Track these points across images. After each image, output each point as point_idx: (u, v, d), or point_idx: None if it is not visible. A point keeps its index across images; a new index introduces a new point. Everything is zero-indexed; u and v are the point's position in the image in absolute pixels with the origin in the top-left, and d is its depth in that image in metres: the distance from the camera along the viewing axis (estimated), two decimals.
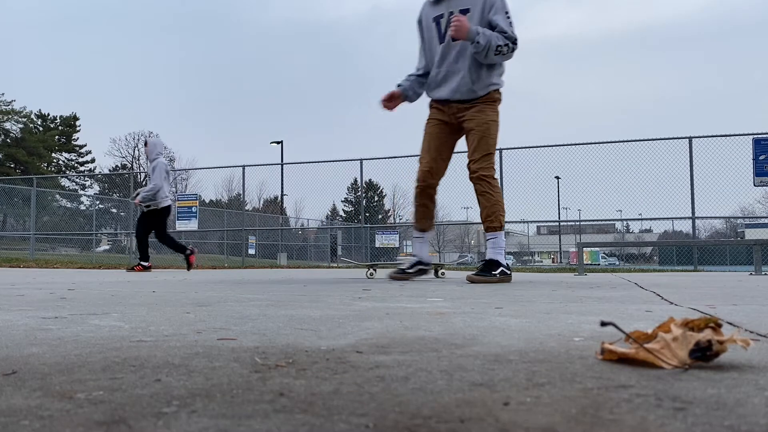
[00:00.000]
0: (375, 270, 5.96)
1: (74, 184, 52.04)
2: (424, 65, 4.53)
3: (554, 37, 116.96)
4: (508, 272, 4.20)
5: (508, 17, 4.17)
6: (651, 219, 14.88)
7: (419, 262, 4.62)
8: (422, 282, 4.59)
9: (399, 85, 4.57)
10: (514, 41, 4.12)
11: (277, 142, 34.53)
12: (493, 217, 4.20)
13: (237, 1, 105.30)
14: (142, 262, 9.29)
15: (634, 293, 2.98)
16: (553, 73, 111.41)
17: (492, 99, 4.25)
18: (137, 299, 2.59)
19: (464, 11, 4.18)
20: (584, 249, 8.48)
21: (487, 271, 4.14)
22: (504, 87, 4.33)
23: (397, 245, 24.46)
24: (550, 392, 0.80)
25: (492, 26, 4.13)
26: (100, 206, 31.70)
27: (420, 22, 4.55)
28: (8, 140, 49.82)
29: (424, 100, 4.56)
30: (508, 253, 20.55)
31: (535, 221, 17.87)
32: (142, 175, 47.73)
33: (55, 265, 12.50)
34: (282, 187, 24.65)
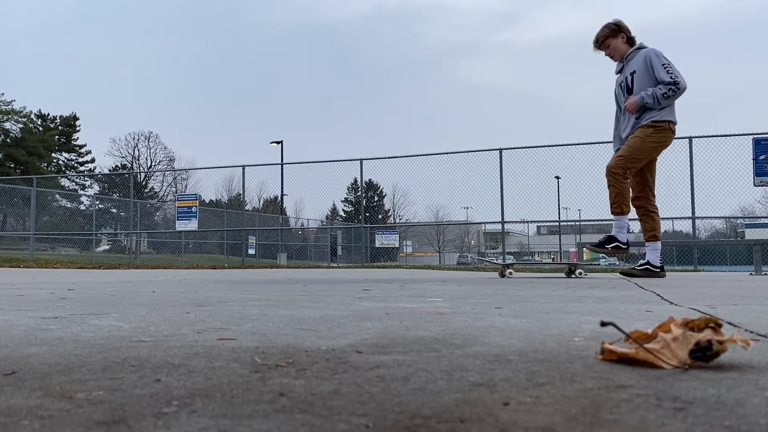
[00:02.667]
0: (511, 270, 6.04)
1: (74, 184, 52.04)
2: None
3: (555, 37, 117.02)
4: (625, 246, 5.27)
5: (665, 66, 5.10)
6: None
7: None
8: (422, 282, 4.59)
9: None
10: (675, 84, 5.02)
11: (277, 142, 34.52)
12: (615, 205, 5.24)
13: (238, 2, 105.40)
14: None
15: (634, 293, 2.98)
16: (553, 73, 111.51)
17: (648, 126, 5.17)
18: (137, 299, 2.59)
19: (633, 73, 5.24)
20: (584, 249, 8.48)
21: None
22: (657, 117, 5.16)
23: (397, 245, 24.47)
24: (550, 392, 0.80)
25: (658, 81, 5.09)
26: (100, 206, 31.72)
27: (615, 92, 5.61)
28: (8, 140, 49.80)
29: None
30: (508, 253, 20.54)
31: (535, 221, 17.89)
32: (142, 175, 47.83)
33: (55, 265, 12.51)
34: (282, 187, 24.66)
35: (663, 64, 5.07)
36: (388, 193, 42.39)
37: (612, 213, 5.28)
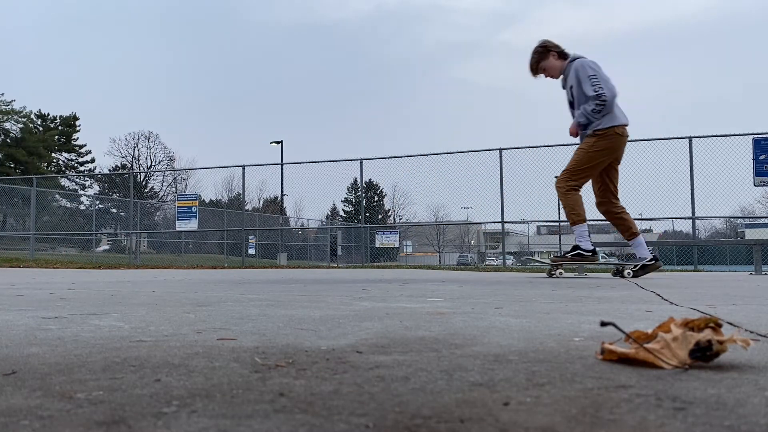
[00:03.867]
0: (562, 269, 5.90)
1: (74, 184, 52.03)
2: None
3: (556, 37, 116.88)
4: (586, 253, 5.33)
5: (590, 78, 5.08)
6: (651, 219, 14.87)
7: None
8: (422, 282, 4.59)
9: None
10: (599, 97, 5.02)
11: (277, 142, 34.52)
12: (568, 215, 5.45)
13: (238, 2, 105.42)
14: None
15: (634, 293, 2.98)
16: None
17: (591, 135, 5.25)
18: (137, 299, 2.59)
19: (571, 87, 5.29)
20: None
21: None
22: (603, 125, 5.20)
23: (397, 245, 24.47)
24: (550, 392, 0.80)
25: (586, 96, 5.12)
26: (100, 206, 31.71)
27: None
28: (8, 140, 49.80)
29: None
30: (508, 253, 20.55)
31: (535, 221, 17.88)
32: (142, 175, 47.82)
33: (55, 265, 12.50)
34: (282, 187, 24.65)
35: (588, 76, 5.08)
36: (388, 193, 42.40)
37: (571, 225, 5.44)
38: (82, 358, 1.08)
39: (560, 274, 5.66)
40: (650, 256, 5.36)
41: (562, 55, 5.37)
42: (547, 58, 5.35)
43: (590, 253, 5.38)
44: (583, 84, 5.10)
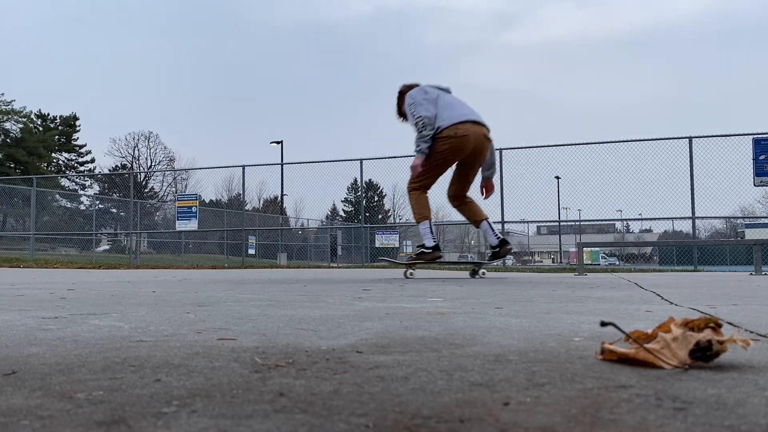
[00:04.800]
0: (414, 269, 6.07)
1: (74, 184, 52.01)
2: None
3: (556, 38, 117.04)
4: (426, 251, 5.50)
5: (410, 109, 5.35)
6: (651, 219, 14.87)
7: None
8: (422, 282, 4.59)
9: None
10: (416, 125, 5.28)
11: (277, 142, 34.51)
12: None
13: (238, 2, 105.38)
14: None
15: (634, 293, 2.98)
16: (554, 73, 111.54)
17: (435, 141, 5.38)
18: (137, 299, 2.59)
19: (403, 114, 5.59)
20: (584, 249, 8.48)
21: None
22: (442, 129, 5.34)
23: (397, 245, 24.46)
24: (550, 392, 0.80)
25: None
26: (100, 206, 31.71)
27: None
28: (8, 140, 49.79)
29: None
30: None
31: (535, 221, 17.85)
32: (142, 175, 47.80)
33: (55, 265, 12.50)
34: (282, 187, 24.65)
35: (409, 105, 5.36)
36: (388, 193, 42.40)
37: (416, 223, 5.64)
38: (82, 358, 1.08)
39: (410, 274, 5.75)
40: (497, 242, 5.57)
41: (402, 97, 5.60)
42: (403, 102, 5.56)
43: (431, 250, 5.51)
44: (409, 119, 5.40)
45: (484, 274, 6.05)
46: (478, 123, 5.33)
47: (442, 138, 5.24)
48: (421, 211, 5.47)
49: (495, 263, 7.05)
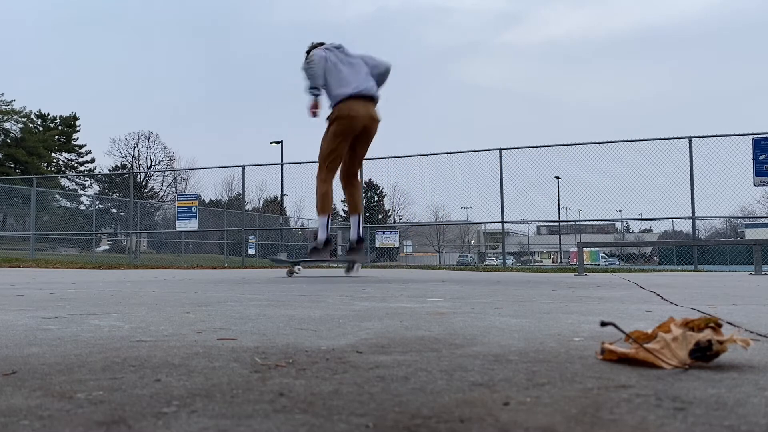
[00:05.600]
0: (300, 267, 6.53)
1: (74, 184, 52.00)
2: None
3: (557, 38, 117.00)
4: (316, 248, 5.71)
5: (306, 67, 5.61)
6: (651, 219, 14.87)
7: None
8: (422, 282, 4.59)
9: None
10: (309, 81, 5.55)
11: (277, 142, 34.48)
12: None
13: (239, 2, 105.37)
14: None
15: (634, 293, 2.98)
16: (554, 73, 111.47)
17: (327, 121, 5.64)
18: (137, 299, 2.59)
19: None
20: (584, 249, 8.48)
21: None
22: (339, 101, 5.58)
23: (397, 245, 24.47)
24: (550, 392, 0.80)
25: None
26: (100, 206, 31.69)
27: None
28: (8, 140, 49.80)
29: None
30: (508, 253, 20.56)
31: (535, 221, 17.87)
32: (142, 175, 47.78)
33: (55, 265, 12.49)
34: (282, 187, 24.65)
35: (307, 61, 5.62)
36: (388, 193, 42.36)
37: (317, 213, 5.84)
38: (82, 358, 1.08)
39: (299, 270, 6.16)
40: (356, 240, 5.92)
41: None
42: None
43: (322, 245, 5.68)
44: (304, 72, 5.62)
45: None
46: (369, 98, 5.57)
47: (336, 118, 5.50)
48: (323, 205, 5.66)
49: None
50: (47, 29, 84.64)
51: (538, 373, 0.92)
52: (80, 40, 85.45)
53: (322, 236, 5.64)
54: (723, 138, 12.01)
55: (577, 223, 22.89)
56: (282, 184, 23.02)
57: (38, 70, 79.81)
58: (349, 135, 5.54)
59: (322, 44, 5.85)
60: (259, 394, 0.79)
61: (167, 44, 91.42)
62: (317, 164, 5.66)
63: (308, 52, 5.82)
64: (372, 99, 5.59)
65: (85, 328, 1.53)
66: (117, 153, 52.44)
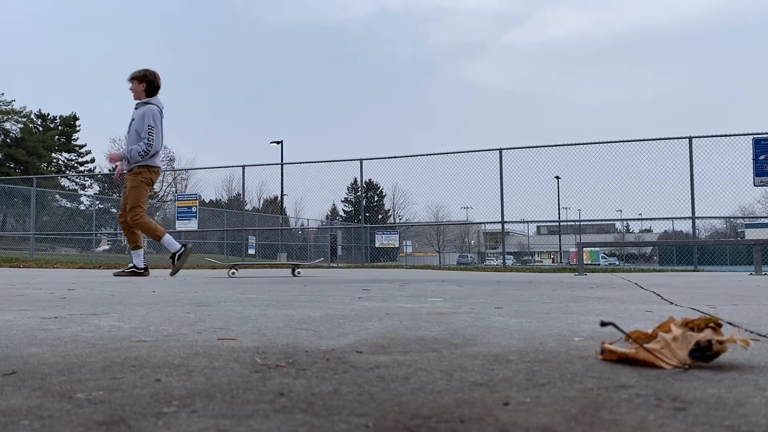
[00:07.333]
0: (236, 269, 7.03)
1: (74, 184, 51.99)
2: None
3: (557, 38, 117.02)
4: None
5: (148, 128, 6.17)
6: (651, 219, 14.87)
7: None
8: (422, 282, 4.59)
9: None
10: (148, 147, 6.15)
11: (277, 142, 34.47)
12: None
13: (239, 2, 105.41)
14: None
15: (634, 293, 2.98)
16: (554, 73, 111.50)
17: (134, 172, 6.28)
18: (137, 299, 2.59)
19: (133, 120, 6.34)
20: (584, 249, 8.48)
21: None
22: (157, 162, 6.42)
23: (397, 245, 24.48)
24: (550, 392, 0.80)
25: (141, 138, 6.22)
26: (100, 206, 31.68)
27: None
28: (8, 140, 49.79)
29: None
30: (508, 253, 20.55)
31: (535, 221, 17.87)
32: None
33: (55, 265, 12.49)
34: (282, 187, 24.63)
35: (148, 126, 6.15)
36: (388, 193, 42.36)
37: (159, 241, 6.51)
38: (82, 358, 1.08)
39: (233, 273, 6.62)
40: (144, 266, 6.42)
41: (150, 92, 6.30)
42: (141, 83, 6.27)
43: (184, 248, 6.46)
44: (143, 130, 6.16)
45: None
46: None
47: (153, 170, 6.30)
48: (156, 230, 6.41)
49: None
50: (47, 29, 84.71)
51: (538, 373, 0.92)
52: (80, 40, 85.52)
53: (177, 246, 6.42)
54: (723, 138, 12.01)
55: (577, 223, 22.89)
56: (282, 184, 23.01)
57: (38, 70, 79.86)
58: (149, 186, 6.40)
59: (154, 78, 6.32)
60: (259, 394, 0.79)
61: (168, 44, 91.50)
62: (133, 212, 6.27)
63: (149, 89, 6.27)
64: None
65: (85, 328, 1.53)
66: None
